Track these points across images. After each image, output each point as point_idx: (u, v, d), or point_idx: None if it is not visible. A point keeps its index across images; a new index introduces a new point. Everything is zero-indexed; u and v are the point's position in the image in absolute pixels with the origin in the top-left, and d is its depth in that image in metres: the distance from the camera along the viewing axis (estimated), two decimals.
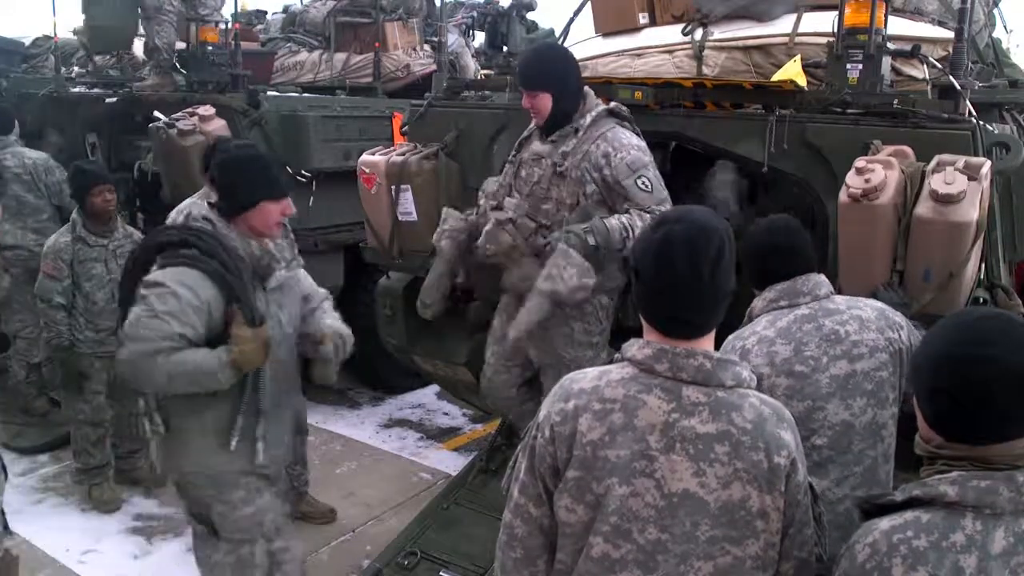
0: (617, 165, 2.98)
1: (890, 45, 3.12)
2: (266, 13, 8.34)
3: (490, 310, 3.54)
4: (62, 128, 6.33)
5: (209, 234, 2.50)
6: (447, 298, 3.50)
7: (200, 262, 2.44)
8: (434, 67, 5.70)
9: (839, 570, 1.42)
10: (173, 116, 4.91)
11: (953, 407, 1.37)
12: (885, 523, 1.38)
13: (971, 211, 2.50)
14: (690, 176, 3.56)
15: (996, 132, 2.94)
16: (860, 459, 2.14)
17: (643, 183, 2.97)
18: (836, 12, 3.11)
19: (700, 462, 1.51)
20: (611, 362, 1.65)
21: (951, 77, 2.94)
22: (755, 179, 3.41)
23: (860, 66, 3.02)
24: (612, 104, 3.15)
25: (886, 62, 3.11)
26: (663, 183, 3.06)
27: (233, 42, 5.72)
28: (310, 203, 5.15)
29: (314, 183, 5.25)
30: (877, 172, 2.60)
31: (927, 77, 3.40)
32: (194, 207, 3.73)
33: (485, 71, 7.27)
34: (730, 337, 2.24)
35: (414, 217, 3.85)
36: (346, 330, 2.82)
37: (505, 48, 7.95)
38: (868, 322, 2.18)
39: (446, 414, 5.96)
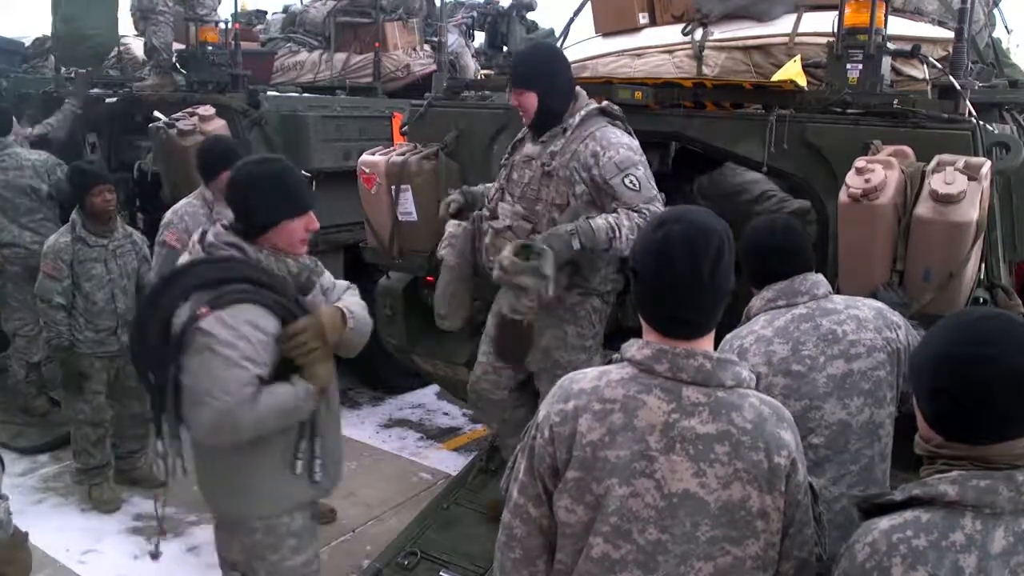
0: (605, 164, 2.95)
1: (890, 45, 3.13)
2: (266, 13, 8.34)
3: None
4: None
5: (250, 264, 2.28)
6: (468, 309, 3.44)
7: (256, 295, 2.23)
8: (434, 67, 5.71)
9: (839, 569, 1.42)
10: (173, 116, 4.92)
11: (953, 407, 1.37)
12: (885, 523, 1.38)
13: (971, 211, 2.50)
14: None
15: (996, 132, 2.94)
16: (857, 458, 2.14)
17: (631, 182, 2.94)
18: (836, 12, 3.11)
19: (700, 462, 1.51)
20: (610, 362, 1.65)
21: (951, 77, 2.94)
22: None
23: (860, 66, 3.02)
24: (604, 103, 3.14)
25: (886, 62, 3.11)
26: (654, 182, 3.03)
27: (233, 42, 5.72)
28: None
29: (314, 183, 5.24)
30: (877, 172, 2.60)
31: (927, 77, 3.40)
32: (188, 207, 3.74)
33: (485, 71, 7.28)
34: (728, 336, 2.24)
35: (414, 217, 3.85)
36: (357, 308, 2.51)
37: (505, 48, 7.97)
38: (866, 322, 2.18)
39: (446, 414, 5.96)
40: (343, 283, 2.61)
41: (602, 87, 3.46)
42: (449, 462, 5.07)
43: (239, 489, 2.36)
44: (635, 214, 2.91)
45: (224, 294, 2.19)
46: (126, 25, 6.54)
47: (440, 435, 5.61)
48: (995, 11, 4.43)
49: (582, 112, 3.05)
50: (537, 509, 1.64)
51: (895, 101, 2.95)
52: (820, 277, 2.28)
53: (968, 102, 2.92)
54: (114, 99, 6.05)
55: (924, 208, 2.55)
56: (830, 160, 2.99)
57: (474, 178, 3.75)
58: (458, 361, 4.01)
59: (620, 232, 2.89)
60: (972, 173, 2.54)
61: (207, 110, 4.97)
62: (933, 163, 2.64)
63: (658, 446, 1.52)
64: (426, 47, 7.00)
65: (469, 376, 3.62)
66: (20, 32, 7.99)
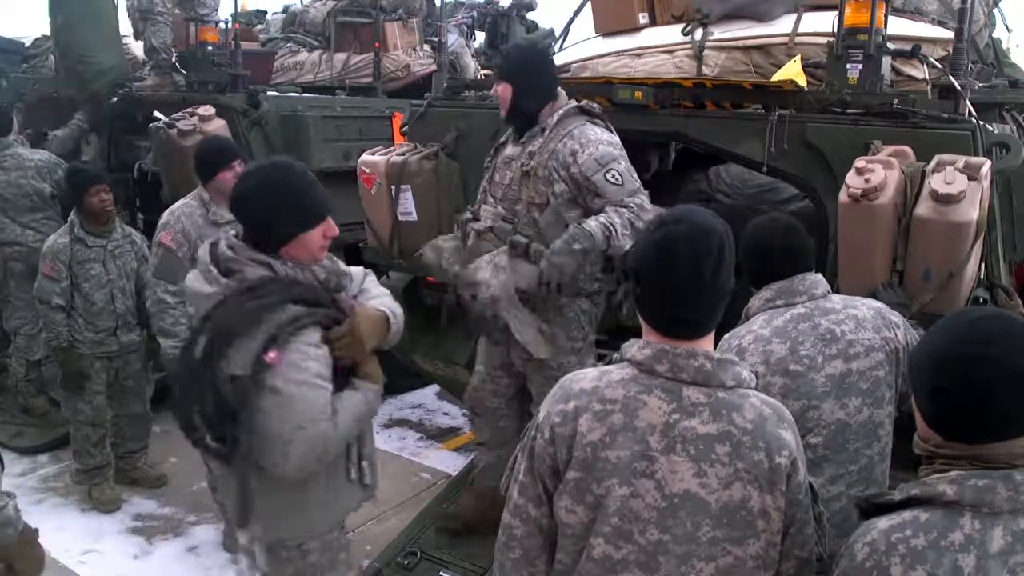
0: (585, 161, 2.96)
1: (890, 45, 3.13)
2: (266, 13, 8.33)
3: None
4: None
5: (286, 283, 2.11)
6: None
7: (310, 317, 2.09)
8: (434, 67, 5.70)
9: (838, 569, 1.42)
10: (173, 116, 4.91)
11: (953, 406, 1.37)
12: (884, 522, 1.38)
13: (971, 211, 2.50)
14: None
15: (996, 132, 2.94)
16: (856, 458, 2.14)
17: (612, 176, 2.96)
18: (836, 12, 3.11)
19: (701, 462, 1.51)
20: (610, 363, 1.65)
21: (951, 77, 2.94)
22: None
23: (860, 66, 3.03)
24: (584, 102, 3.16)
25: (886, 62, 3.12)
26: (635, 175, 3.04)
27: (233, 42, 5.72)
28: None
29: None
30: (877, 172, 2.60)
31: (927, 77, 3.40)
32: (185, 207, 3.74)
33: (485, 71, 7.27)
34: (726, 336, 2.24)
35: (414, 217, 3.85)
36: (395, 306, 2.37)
37: None
38: (864, 321, 2.18)
39: (446, 414, 5.96)
40: (358, 270, 2.42)
41: (602, 87, 3.46)
42: (449, 462, 5.07)
43: (297, 508, 2.21)
44: (624, 209, 2.93)
45: (281, 330, 2.01)
46: (125, 26, 6.52)
47: (440, 435, 5.61)
48: (995, 11, 4.43)
49: (560, 112, 3.07)
50: (537, 509, 1.64)
51: (895, 101, 2.95)
52: (819, 277, 2.28)
53: (968, 102, 2.92)
54: (114, 99, 6.04)
55: (924, 208, 2.55)
56: (830, 160, 2.99)
57: (474, 178, 3.75)
58: (458, 361, 4.01)
59: (615, 230, 2.90)
60: (972, 173, 2.54)
61: (207, 110, 4.97)
62: (933, 163, 2.64)
63: (659, 446, 1.52)
64: (426, 47, 7.00)
65: (469, 377, 3.62)
66: (20, 32, 7.96)
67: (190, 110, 4.99)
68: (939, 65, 3.27)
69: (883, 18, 3.04)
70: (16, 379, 5.33)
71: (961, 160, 2.59)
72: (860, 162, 2.67)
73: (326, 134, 5.49)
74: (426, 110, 4.08)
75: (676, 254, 1.51)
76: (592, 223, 2.92)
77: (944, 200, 2.50)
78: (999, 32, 4.49)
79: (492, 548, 1.76)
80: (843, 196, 2.66)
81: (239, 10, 6.73)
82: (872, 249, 2.66)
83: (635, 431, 1.53)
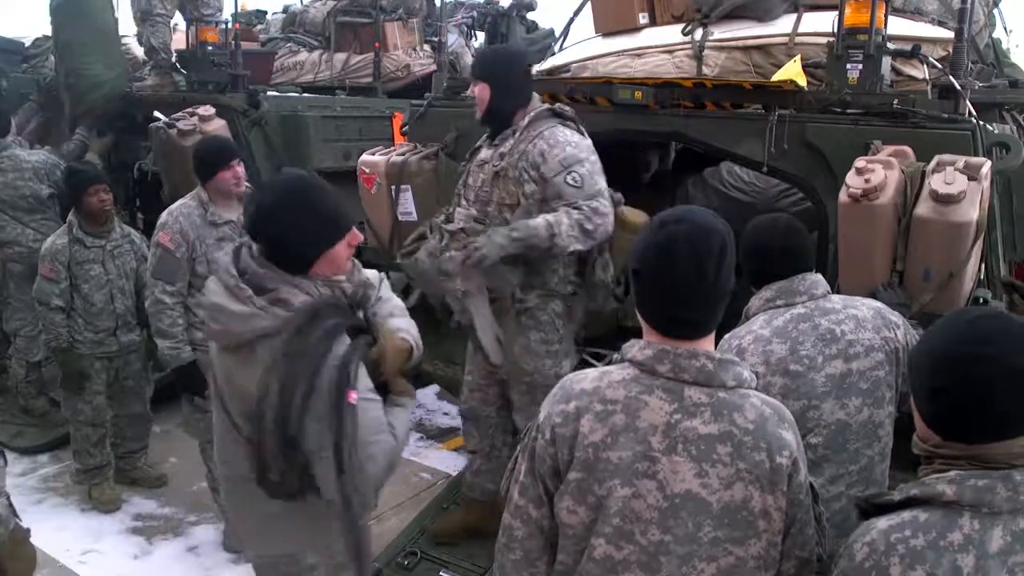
0: (550, 162, 2.99)
1: (890, 45, 3.13)
2: (266, 13, 8.33)
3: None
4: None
5: (336, 307, 2.05)
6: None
7: (364, 343, 2.05)
8: (434, 67, 5.71)
9: (837, 569, 1.42)
10: (173, 116, 4.91)
11: (952, 406, 1.37)
12: (883, 522, 1.38)
13: (971, 211, 2.50)
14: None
15: (996, 132, 2.94)
16: (856, 458, 2.14)
17: (572, 179, 2.97)
18: (836, 12, 3.11)
19: (702, 463, 1.52)
20: (611, 363, 1.65)
21: (951, 77, 2.94)
22: None
23: (860, 66, 3.03)
24: (556, 105, 3.17)
25: (886, 62, 3.12)
26: (600, 179, 3.04)
27: (233, 42, 5.72)
28: None
29: None
30: (877, 172, 2.61)
31: (927, 77, 3.40)
32: (183, 208, 3.73)
33: None
34: (726, 336, 2.24)
35: (414, 217, 3.85)
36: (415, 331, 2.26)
37: None
38: (864, 321, 2.18)
39: (446, 414, 5.95)
40: (374, 274, 2.28)
41: (602, 87, 3.46)
42: (449, 462, 5.06)
43: (307, 520, 2.16)
44: (574, 211, 2.94)
45: (344, 367, 1.93)
46: (126, 26, 6.52)
47: (440, 435, 5.60)
48: (995, 11, 4.44)
49: (531, 113, 3.08)
50: (538, 510, 1.64)
51: (895, 101, 2.95)
52: (819, 277, 2.28)
53: (968, 102, 2.92)
54: (110, 117, 6.02)
55: (924, 208, 2.56)
56: (830, 160, 2.99)
57: None
58: (458, 361, 4.01)
59: (560, 229, 2.91)
60: (972, 173, 2.55)
61: (207, 110, 4.97)
62: (933, 163, 2.64)
63: (660, 447, 1.53)
64: (426, 47, 7.00)
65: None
66: (20, 32, 7.97)
67: (190, 110, 4.99)
68: (939, 65, 3.28)
69: (883, 18, 3.05)
70: (16, 380, 5.32)
71: (961, 160, 2.60)
72: (860, 162, 2.67)
73: (326, 134, 5.49)
74: (426, 110, 4.09)
75: (677, 254, 1.51)
76: (538, 219, 2.95)
77: (944, 200, 2.51)
78: (999, 32, 4.50)
79: (492, 548, 1.76)
80: (843, 196, 2.66)
81: (239, 10, 6.74)
82: (872, 249, 2.66)
83: (637, 431, 1.53)
